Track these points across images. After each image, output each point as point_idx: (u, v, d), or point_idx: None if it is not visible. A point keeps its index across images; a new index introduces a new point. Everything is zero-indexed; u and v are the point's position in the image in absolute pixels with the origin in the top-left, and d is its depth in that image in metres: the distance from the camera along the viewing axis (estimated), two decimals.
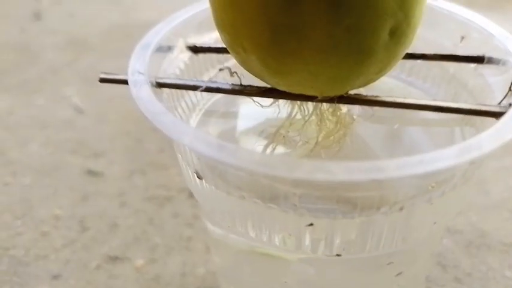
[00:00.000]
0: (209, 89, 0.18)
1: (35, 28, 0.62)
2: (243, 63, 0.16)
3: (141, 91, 0.15)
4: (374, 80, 0.16)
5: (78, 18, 0.64)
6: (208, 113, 0.22)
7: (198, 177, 0.16)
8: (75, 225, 0.34)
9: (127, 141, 0.41)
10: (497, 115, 0.17)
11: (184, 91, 0.21)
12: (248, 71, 0.17)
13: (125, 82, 0.18)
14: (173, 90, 0.20)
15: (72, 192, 0.37)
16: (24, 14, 0.66)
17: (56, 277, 0.31)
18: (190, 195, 0.36)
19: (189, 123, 0.21)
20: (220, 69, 0.17)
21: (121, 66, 0.54)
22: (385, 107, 0.17)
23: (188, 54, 0.21)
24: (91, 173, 0.38)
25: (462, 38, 0.21)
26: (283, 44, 0.14)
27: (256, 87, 0.18)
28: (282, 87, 0.17)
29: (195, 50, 0.21)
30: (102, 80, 0.18)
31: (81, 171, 0.38)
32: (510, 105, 0.16)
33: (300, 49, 0.14)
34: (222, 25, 0.16)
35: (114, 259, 0.32)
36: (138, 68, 0.17)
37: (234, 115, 0.22)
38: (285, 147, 0.20)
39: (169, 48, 0.20)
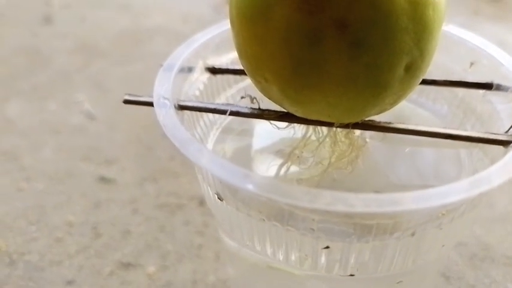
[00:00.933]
0: (230, 113, 0.19)
1: (46, 32, 0.63)
2: (263, 90, 0.17)
3: (167, 118, 0.16)
4: (388, 109, 0.17)
5: (88, 23, 0.65)
6: (225, 130, 0.23)
7: (219, 198, 0.17)
8: (88, 232, 0.35)
9: (138, 149, 0.42)
10: (504, 143, 0.17)
11: None
12: (267, 97, 0.18)
13: (149, 104, 0.19)
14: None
15: (85, 198, 0.38)
16: (34, 17, 0.67)
17: (70, 283, 0.32)
18: (201, 203, 0.37)
19: (207, 140, 0.22)
20: (242, 97, 0.18)
21: (131, 71, 0.55)
22: (398, 133, 0.18)
23: (207, 75, 0.22)
24: (103, 179, 0.39)
25: (472, 64, 0.21)
26: (304, 77, 0.15)
27: (274, 111, 0.19)
28: (299, 114, 0.17)
29: (214, 71, 0.22)
30: (126, 102, 0.19)
31: (94, 178, 0.39)
32: None
33: (319, 83, 0.15)
34: (245, 56, 0.16)
35: (126, 266, 0.33)
36: (163, 93, 0.18)
37: (249, 133, 0.23)
38: (299, 167, 0.21)
39: (189, 70, 0.21)
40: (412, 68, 0.15)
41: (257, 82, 0.17)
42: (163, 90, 0.18)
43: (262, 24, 0.15)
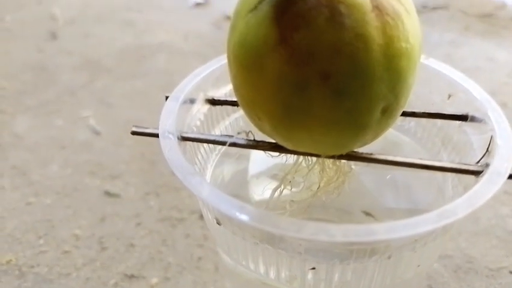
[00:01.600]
0: (228, 144, 0.21)
1: (52, 48, 0.65)
2: (257, 126, 0.19)
3: (171, 152, 0.18)
4: (369, 143, 0.19)
5: (92, 39, 0.67)
6: (224, 155, 0.25)
7: (217, 223, 0.19)
8: (94, 245, 0.37)
9: (141, 164, 0.44)
10: (475, 173, 0.19)
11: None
12: (261, 132, 0.20)
13: (154, 135, 0.21)
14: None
15: (91, 212, 0.40)
16: (40, 33, 0.69)
17: None
18: (201, 216, 0.39)
19: (208, 164, 0.24)
20: (239, 133, 0.20)
21: (134, 87, 0.57)
22: (379, 163, 0.20)
23: (207, 106, 0.24)
24: (108, 194, 0.41)
25: (449, 95, 0.23)
26: (293, 119, 0.17)
27: (268, 143, 0.21)
28: (290, 148, 0.19)
29: (213, 102, 0.24)
30: (134, 133, 0.21)
31: (99, 193, 0.41)
32: (487, 165, 0.19)
33: (307, 123, 0.17)
34: (241, 97, 0.18)
35: (130, 277, 0.35)
36: (168, 127, 0.20)
37: (246, 158, 0.25)
38: (291, 190, 0.23)
39: (191, 101, 0.23)
40: (388, 111, 0.17)
41: (251, 119, 0.19)
42: (168, 124, 0.20)
43: (256, 73, 0.17)
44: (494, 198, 0.38)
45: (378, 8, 0.15)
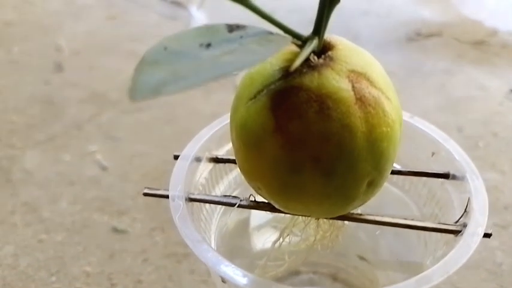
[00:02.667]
0: (231, 205, 0.23)
1: (58, 80, 0.68)
2: (257, 192, 0.21)
3: (181, 220, 0.20)
4: (357, 208, 0.21)
5: (97, 71, 0.70)
6: (228, 207, 0.27)
7: (222, 281, 0.21)
8: (104, 282, 0.39)
9: (147, 200, 0.46)
10: (454, 232, 0.22)
11: (211, 190, 0.26)
12: (261, 196, 0.22)
13: (165, 196, 0.23)
14: (203, 191, 0.25)
15: (100, 249, 0.42)
16: (47, 64, 0.72)
17: None
18: None
19: (214, 214, 0.27)
20: (241, 201, 0.22)
21: (139, 120, 0.59)
22: (367, 223, 0.22)
23: (212, 164, 0.26)
24: (116, 230, 0.43)
25: (433, 153, 0.26)
26: (288, 193, 0.19)
27: (268, 204, 0.23)
28: (287, 212, 0.22)
29: (217, 160, 0.26)
30: (146, 194, 0.23)
31: (108, 229, 0.43)
32: (465, 225, 0.21)
33: (301, 197, 0.19)
34: (243, 168, 0.21)
35: None
36: (177, 193, 0.22)
37: (247, 210, 0.27)
38: (289, 242, 0.25)
39: (198, 160, 0.25)
40: (373, 184, 0.19)
41: (251, 186, 0.21)
42: (177, 190, 0.22)
43: (255, 153, 0.19)
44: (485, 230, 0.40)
45: (361, 100, 0.18)
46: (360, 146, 0.18)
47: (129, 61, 0.72)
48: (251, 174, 0.20)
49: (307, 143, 0.18)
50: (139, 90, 0.13)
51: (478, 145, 0.53)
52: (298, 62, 0.16)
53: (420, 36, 0.78)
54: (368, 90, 0.18)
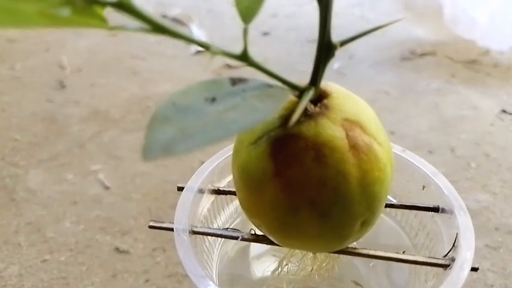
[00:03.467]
0: (232, 238, 0.24)
1: (60, 97, 0.69)
2: (257, 227, 0.23)
3: (185, 255, 0.22)
4: (352, 243, 0.23)
5: (99, 88, 0.71)
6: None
7: None
8: None
9: (149, 219, 0.48)
10: (443, 266, 0.23)
11: (213, 221, 0.27)
12: (260, 231, 0.23)
13: (170, 229, 0.24)
14: (205, 222, 0.26)
15: (103, 269, 0.43)
16: (49, 82, 0.73)
17: None
18: None
19: (216, 243, 0.28)
20: (242, 235, 0.24)
21: (140, 139, 0.60)
22: (362, 257, 0.23)
23: (214, 196, 0.27)
24: (118, 250, 0.44)
25: (423, 186, 0.27)
26: (287, 231, 0.21)
27: (267, 237, 0.24)
28: (285, 247, 0.23)
29: (219, 192, 0.27)
30: (151, 227, 0.24)
31: (110, 249, 0.45)
32: (453, 259, 0.23)
33: (298, 236, 0.20)
34: (243, 206, 0.22)
35: None
36: (182, 226, 0.23)
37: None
38: (288, 272, 0.26)
39: (201, 191, 0.27)
40: (366, 223, 0.21)
41: (252, 222, 0.23)
42: (182, 224, 0.23)
43: (256, 194, 0.20)
44: (476, 252, 0.41)
45: (354, 148, 0.19)
46: (353, 190, 0.19)
47: (130, 79, 0.74)
48: (251, 212, 0.21)
49: (304, 187, 0.19)
50: (152, 149, 0.14)
51: (470, 166, 0.54)
52: (296, 117, 0.18)
53: (414, 55, 0.79)
54: (361, 138, 0.19)
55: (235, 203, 0.29)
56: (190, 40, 0.16)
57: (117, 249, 0.44)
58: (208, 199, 0.27)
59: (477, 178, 0.53)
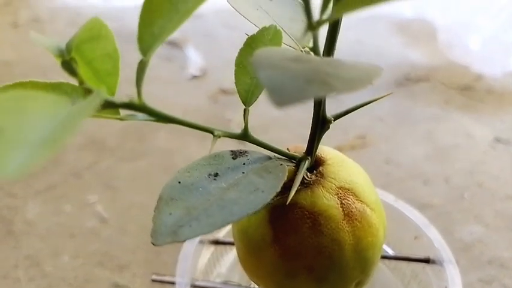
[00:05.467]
0: None
1: None
2: (256, 284, 0.23)
3: None
4: None
5: None
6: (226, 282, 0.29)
7: None
8: None
9: (147, 254, 0.48)
10: None
11: (213, 270, 0.28)
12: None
13: (172, 283, 0.25)
14: (204, 272, 0.27)
15: None
16: None
17: None
18: None
19: None
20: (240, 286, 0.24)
21: (137, 168, 0.61)
22: None
23: (213, 246, 0.28)
24: (117, 286, 0.45)
25: (415, 237, 0.28)
26: None
27: None
28: None
29: (218, 243, 0.28)
30: (154, 280, 0.25)
31: (109, 284, 0.45)
32: None
33: None
34: (243, 265, 0.23)
35: None
36: (184, 281, 0.24)
37: None
38: None
39: (201, 242, 0.27)
40: (360, 283, 0.21)
41: (251, 280, 0.23)
42: (183, 278, 0.24)
43: (255, 257, 0.21)
44: (469, 286, 0.42)
45: (348, 215, 0.20)
46: (348, 256, 0.20)
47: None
48: (251, 273, 0.22)
49: (302, 254, 0.20)
50: (160, 234, 0.15)
51: (463, 196, 0.55)
52: (293, 192, 0.18)
53: (409, 81, 0.81)
54: (354, 206, 0.20)
55: (234, 252, 0.29)
56: (195, 127, 0.17)
57: (116, 285, 0.45)
58: (208, 250, 0.27)
59: (470, 209, 0.53)
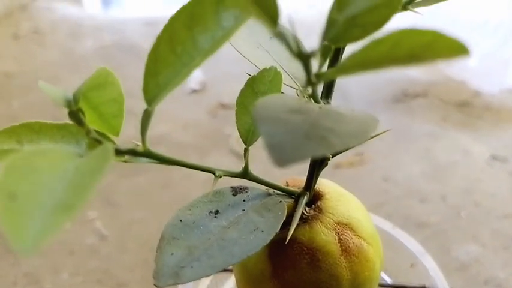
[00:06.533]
0: None
1: None
2: None
3: None
4: None
5: None
6: None
7: None
8: None
9: (145, 271, 0.48)
10: None
11: None
12: None
13: None
14: None
15: None
16: (46, 120, 0.74)
17: None
18: None
19: None
20: None
21: (137, 184, 0.61)
22: None
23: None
24: None
25: (412, 264, 0.28)
26: None
27: None
28: None
29: None
30: None
31: None
32: None
33: None
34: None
35: None
36: None
37: None
38: None
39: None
40: None
41: None
42: None
43: None
44: None
45: (346, 251, 0.20)
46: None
47: (126, 120, 0.75)
48: None
49: None
50: (162, 275, 0.15)
51: (460, 215, 0.56)
52: (292, 229, 0.19)
53: (407, 97, 0.81)
54: (352, 241, 0.20)
55: (233, 278, 0.30)
56: (197, 168, 0.18)
57: None
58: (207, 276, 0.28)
59: (467, 228, 0.54)
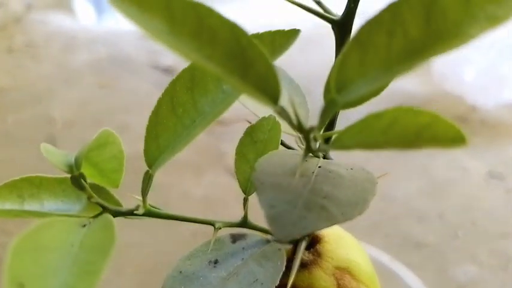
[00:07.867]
0: None
1: None
2: None
3: None
4: None
5: None
6: None
7: None
8: None
9: None
10: None
11: None
12: None
13: None
14: None
15: None
16: (40, 137, 0.74)
17: None
18: None
19: None
20: None
21: (132, 201, 0.60)
22: None
23: None
24: None
25: None
26: None
27: None
28: None
29: None
30: None
31: None
32: None
33: None
34: None
35: None
36: None
37: None
38: None
39: None
40: None
41: None
42: None
43: None
44: None
45: None
46: None
47: (122, 134, 0.74)
48: None
49: None
50: None
51: (457, 235, 0.55)
52: (291, 278, 0.18)
53: None
54: (351, 286, 0.20)
55: None
56: (198, 221, 0.17)
57: None
58: None
59: (464, 248, 0.54)
